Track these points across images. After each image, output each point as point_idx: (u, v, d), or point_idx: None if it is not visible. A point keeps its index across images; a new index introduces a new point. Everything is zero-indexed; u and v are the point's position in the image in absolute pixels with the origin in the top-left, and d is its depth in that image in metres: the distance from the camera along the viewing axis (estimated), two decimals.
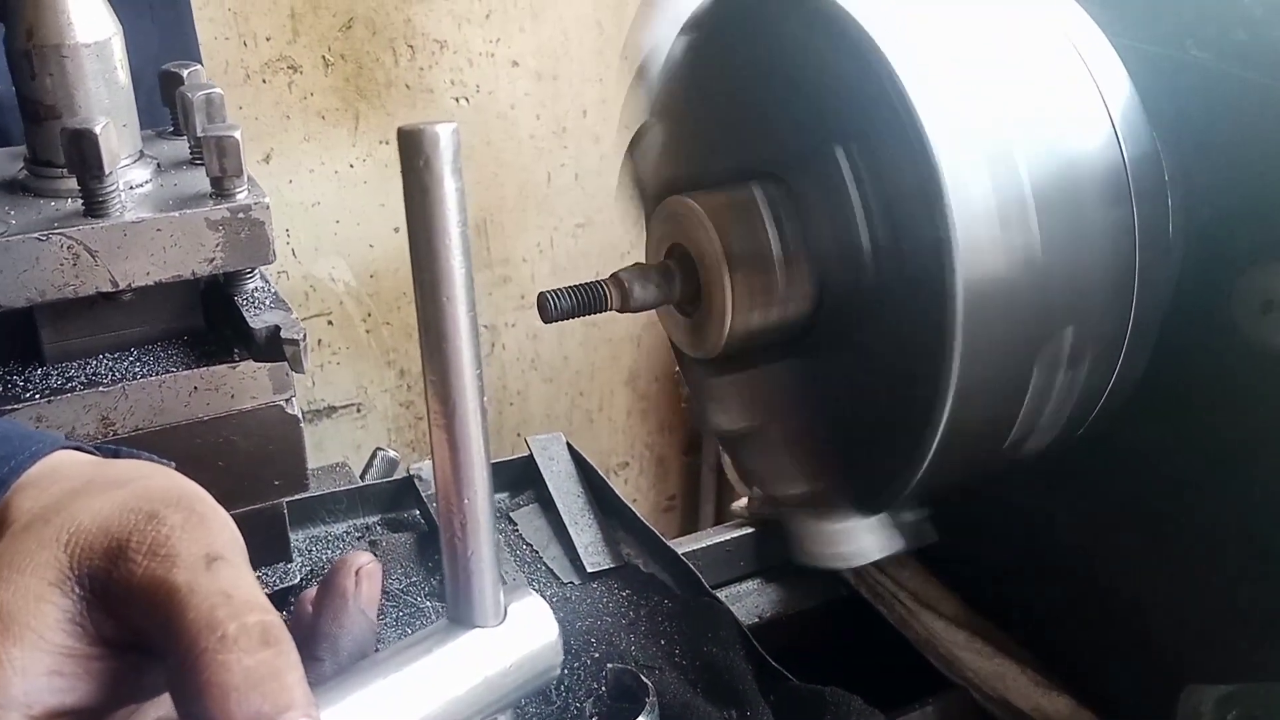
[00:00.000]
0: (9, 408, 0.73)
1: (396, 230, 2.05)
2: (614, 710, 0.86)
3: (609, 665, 0.89)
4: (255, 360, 0.77)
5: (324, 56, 1.85)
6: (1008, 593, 1.01)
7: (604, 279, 0.79)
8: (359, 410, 2.13)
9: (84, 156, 0.68)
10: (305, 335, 0.75)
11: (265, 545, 0.86)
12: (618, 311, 0.80)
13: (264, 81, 1.82)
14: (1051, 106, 0.74)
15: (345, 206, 1.97)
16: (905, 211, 0.68)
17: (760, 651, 0.92)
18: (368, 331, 2.10)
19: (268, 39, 1.80)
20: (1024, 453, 0.81)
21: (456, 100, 2.00)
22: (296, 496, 1.01)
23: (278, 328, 0.74)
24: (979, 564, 1.03)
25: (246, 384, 0.79)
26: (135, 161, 0.77)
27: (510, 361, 2.26)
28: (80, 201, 0.71)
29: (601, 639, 0.94)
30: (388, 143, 1.96)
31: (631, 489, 2.54)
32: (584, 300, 0.78)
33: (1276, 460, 0.79)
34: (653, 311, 0.84)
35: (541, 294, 0.77)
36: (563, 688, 0.90)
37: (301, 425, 0.83)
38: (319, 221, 1.96)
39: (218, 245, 0.74)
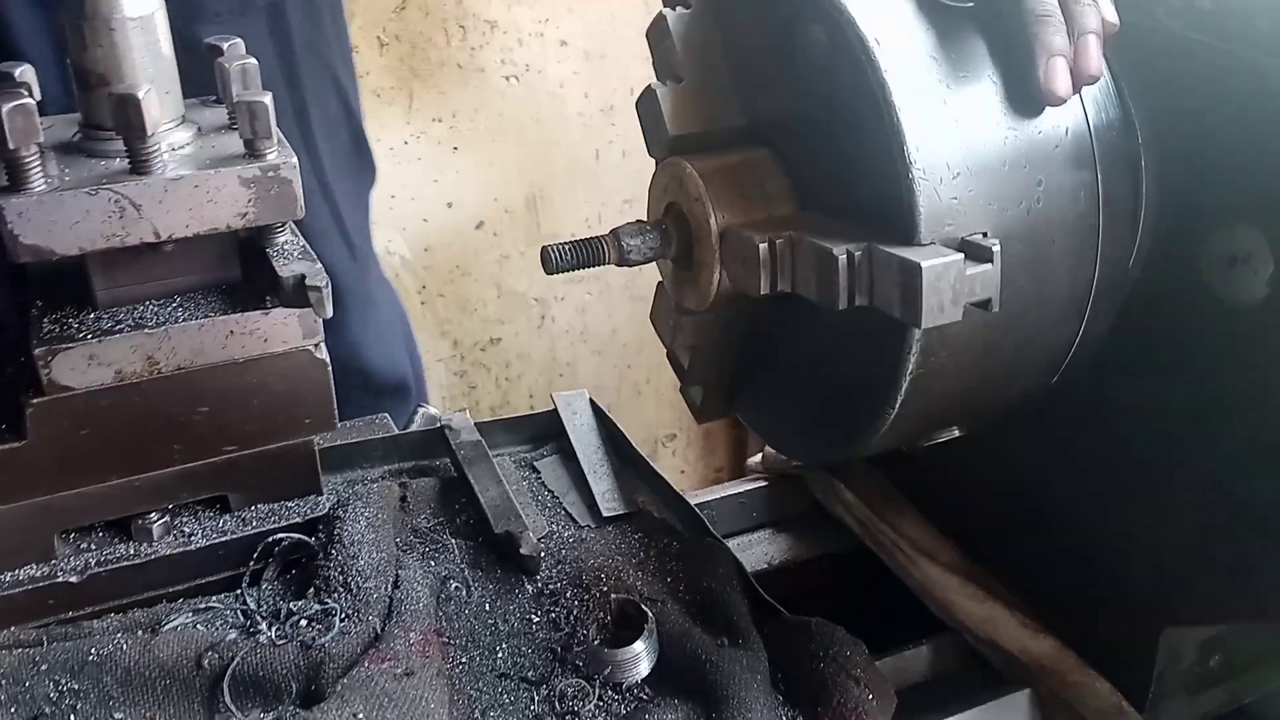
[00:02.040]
0: (64, 347, 0.82)
1: (449, 205, 2.13)
2: (617, 636, 0.93)
3: (613, 596, 0.95)
4: (284, 306, 0.84)
5: (379, 37, 1.93)
6: (1001, 542, 1.06)
7: (604, 235, 0.86)
8: None
9: (128, 119, 0.76)
10: (328, 283, 0.82)
11: (296, 479, 0.94)
12: (615, 265, 0.86)
13: None
14: (1019, 78, 0.79)
15: (400, 182, 2.05)
16: (872, 174, 0.73)
17: (756, 587, 0.98)
18: (422, 303, 2.18)
19: None
20: (1002, 394, 0.86)
21: (507, 79, 2.07)
22: (331, 443, 1.10)
23: (303, 276, 0.82)
24: (975, 515, 1.08)
25: (278, 329, 0.87)
26: (178, 125, 0.85)
27: (559, 334, 2.33)
28: (126, 160, 0.79)
29: (611, 575, 1.01)
30: (440, 120, 2.04)
31: (679, 460, 2.60)
32: (584, 254, 0.85)
33: (1242, 412, 0.84)
34: None
35: (544, 247, 0.84)
36: (572, 617, 0.96)
37: (329, 369, 0.90)
38: (375, 196, 2.05)
39: (249, 201, 0.82)
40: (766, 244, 0.76)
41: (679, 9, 0.89)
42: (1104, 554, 0.96)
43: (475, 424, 1.18)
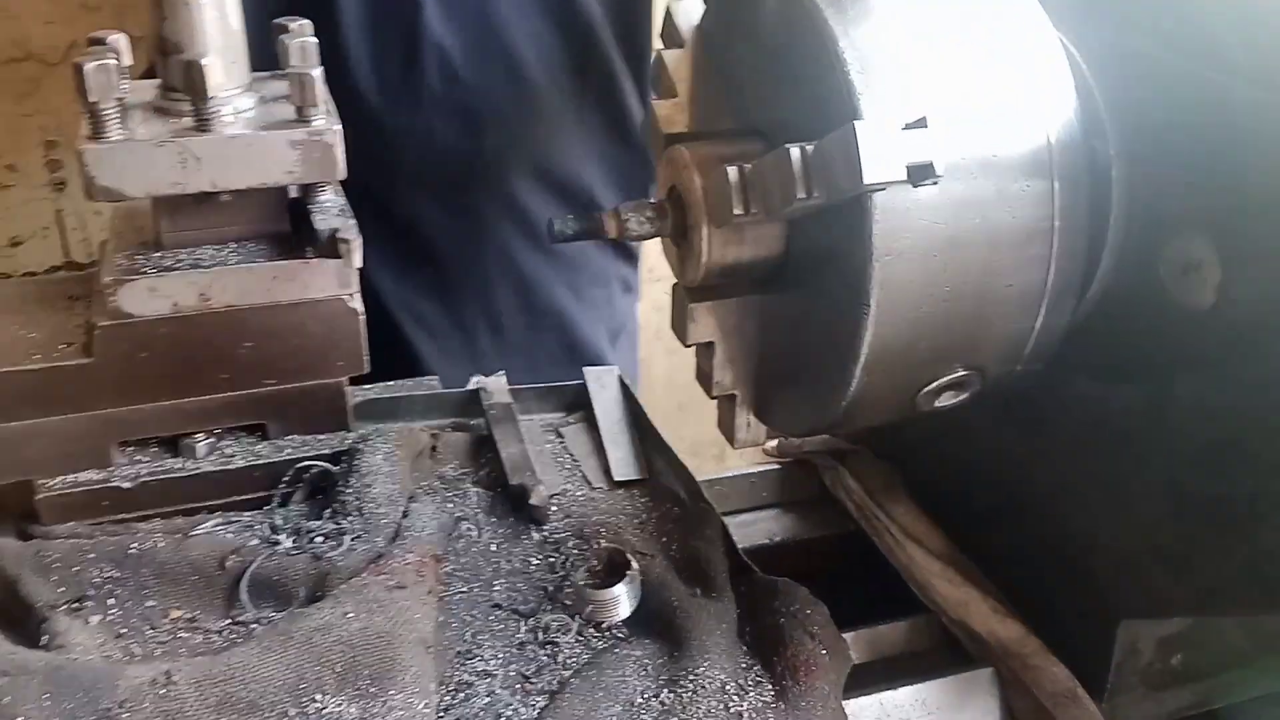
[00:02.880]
0: (129, 279, 0.94)
1: None
2: (603, 580, 1.01)
3: (602, 544, 1.04)
4: (319, 256, 0.95)
5: None
6: (984, 530, 1.11)
7: (606, 211, 0.95)
8: None
9: (194, 83, 0.88)
10: (359, 237, 0.93)
11: (328, 414, 1.05)
12: (615, 240, 0.95)
13: None
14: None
15: None
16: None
17: (736, 549, 1.05)
18: None
19: None
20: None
21: None
22: (375, 394, 1.21)
23: (336, 229, 0.93)
24: (965, 504, 1.14)
25: (316, 278, 0.98)
26: (243, 92, 0.97)
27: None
28: (193, 120, 0.91)
29: (611, 531, 1.09)
30: None
31: (745, 464, 2.65)
32: (585, 228, 0.94)
33: (1192, 413, 0.88)
34: None
35: (549, 220, 0.93)
36: (568, 563, 1.05)
37: (361, 316, 1.01)
38: None
39: (296, 160, 0.93)
40: (735, 169, 0.83)
41: (674, 49, 0.99)
42: (1072, 545, 1.00)
43: (509, 388, 1.28)
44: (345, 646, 0.84)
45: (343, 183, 0.99)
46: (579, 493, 1.17)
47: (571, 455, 1.23)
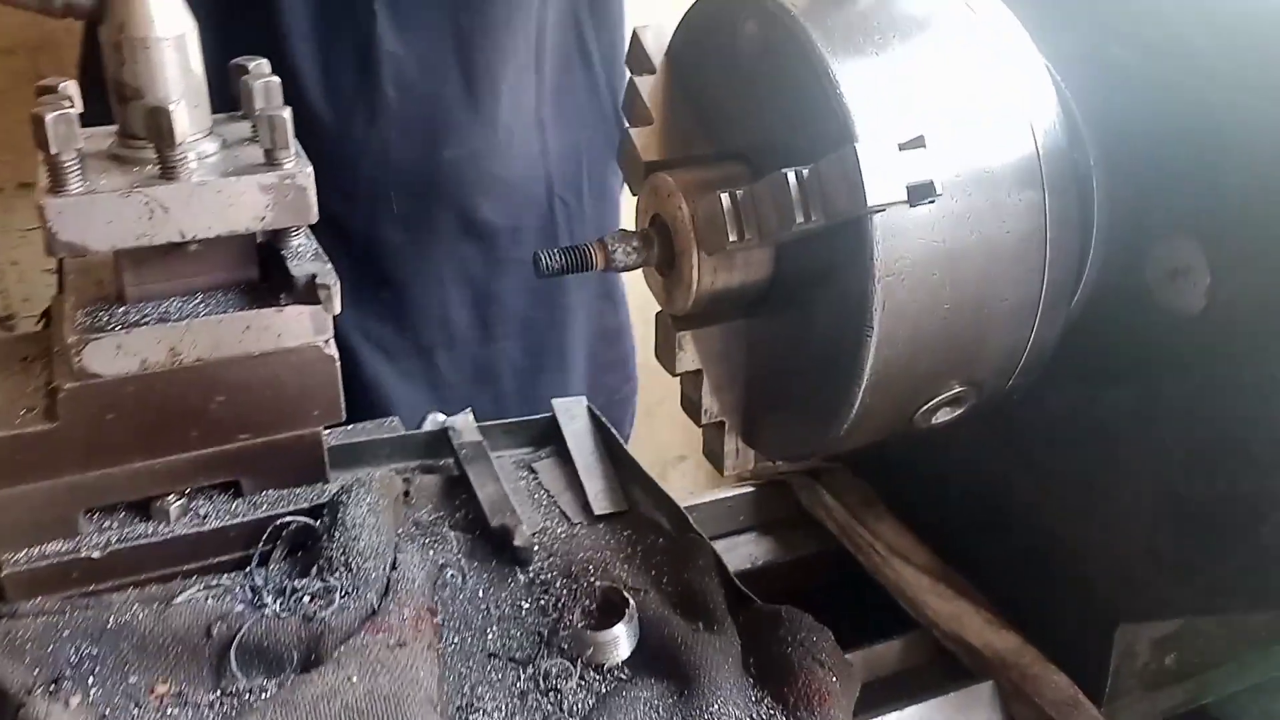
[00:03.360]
0: (94, 336, 0.89)
1: None
2: (600, 621, 0.99)
3: (598, 584, 1.02)
4: (296, 303, 0.92)
5: None
6: (969, 543, 1.11)
7: (591, 242, 0.93)
8: None
9: (159, 129, 0.84)
10: (337, 282, 0.90)
11: (305, 467, 1.01)
12: (602, 270, 0.93)
13: None
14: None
15: None
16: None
17: (732, 578, 1.04)
18: None
19: None
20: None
21: None
22: (339, 439, 1.18)
23: (314, 275, 0.89)
24: (947, 518, 1.14)
25: (291, 326, 0.94)
26: (205, 136, 0.93)
27: None
28: (157, 167, 0.87)
29: (599, 567, 1.07)
30: None
31: (689, 482, 2.65)
32: (572, 260, 0.92)
33: (1184, 417, 0.89)
34: None
35: (535, 252, 0.91)
36: (560, 604, 1.03)
37: (337, 364, 0.97)
38: None
39: (267, 205, 0.90)
40: (727, 195, 0.82)
41: (644, 75, 0.98)
42: (1062, 553, 1.01)
43: (478, 426, 1.25)
44: (353, 713, 0.81)
45: None
46: (559, 530, 1.15)
47: (547, 491, 1.21)
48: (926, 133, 0.78)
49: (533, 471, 1.24)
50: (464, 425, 1.24)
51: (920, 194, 0.77)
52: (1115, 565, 0.96)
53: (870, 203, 0.75)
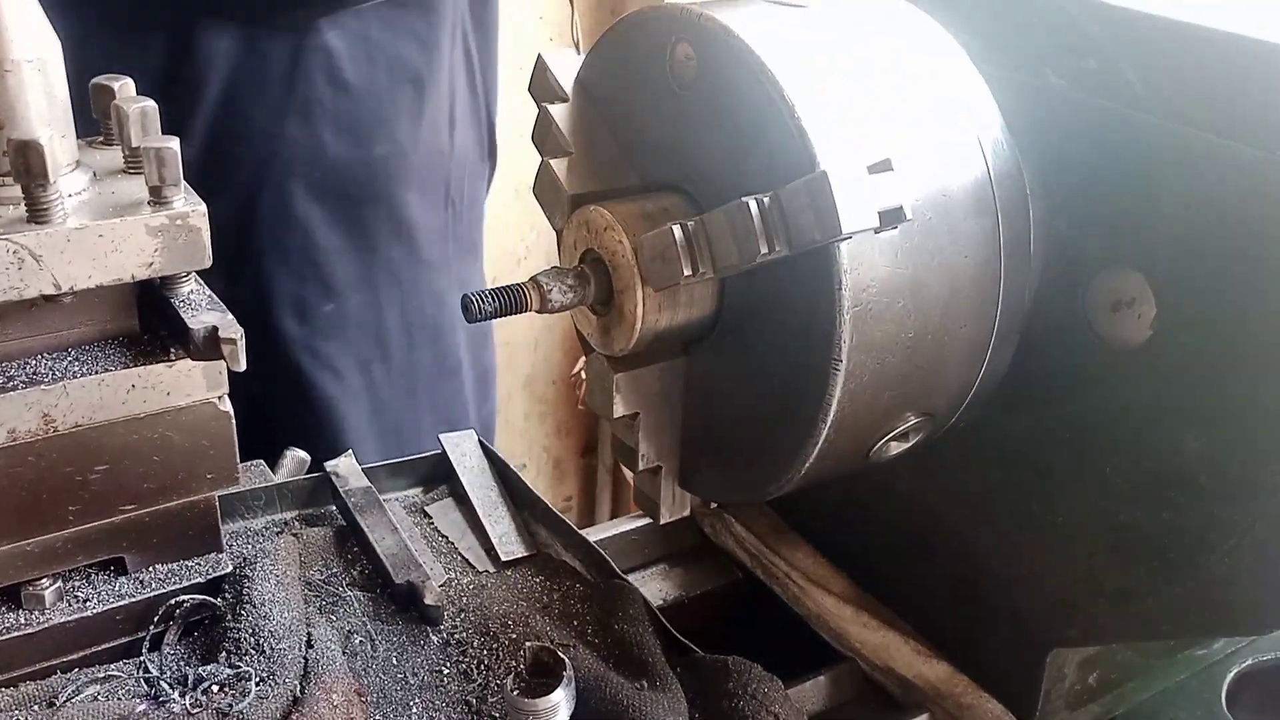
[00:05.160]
0: None
1: None
2: (533, 685, 0.92)
3: (526, 644, 0.94)
4: (193, 359, 0.81)
5: None
6: (892, 571, 1.09)
7: (524, 282, 0.86)
8: None
9: (29, 166, 0.72)
10: (242, 335, 0.79)
11: (197, 537, 0.90)
12: (537, 312, 0.86)
13: None
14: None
15: None
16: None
17: (667, 627, 0.99)
18: None
19: None
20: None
21: None
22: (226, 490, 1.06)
23: (215, 328, 0.79)
24: (866, 546, 1.12)
25: (182, 382, 0.83)
26: (73, 170, 0.81)
27: None
28: (24, 208, 0.75)
29: (518, 621, 1.00)
30: None
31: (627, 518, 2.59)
32: (506, 302, 0.84)
33: (1125, 445, 0.89)
34: (555, 315, 0.90)
35: (465, 296, 0.83)
36: (483, 667, 0.96)
37: (232, 420, 0.87)
38: None
39: (156, 250, 0.78)
40: (679, 227, 0.77)
41: (557, 103, 0.91)
42: (992, 580, 1.00)
43: (362, 469, 1.15)
44: None
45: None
46: (465, 580, 1.07)
47: (445, 537, 1.13)
48: (886, 154, 0.75)
49: (426, 515, 1.16)
50: (347, 469, 1.15)
51: (890, 219, 0.74)
52: (1050, 593, 0.96)
53: (846, 229, 0.72)
